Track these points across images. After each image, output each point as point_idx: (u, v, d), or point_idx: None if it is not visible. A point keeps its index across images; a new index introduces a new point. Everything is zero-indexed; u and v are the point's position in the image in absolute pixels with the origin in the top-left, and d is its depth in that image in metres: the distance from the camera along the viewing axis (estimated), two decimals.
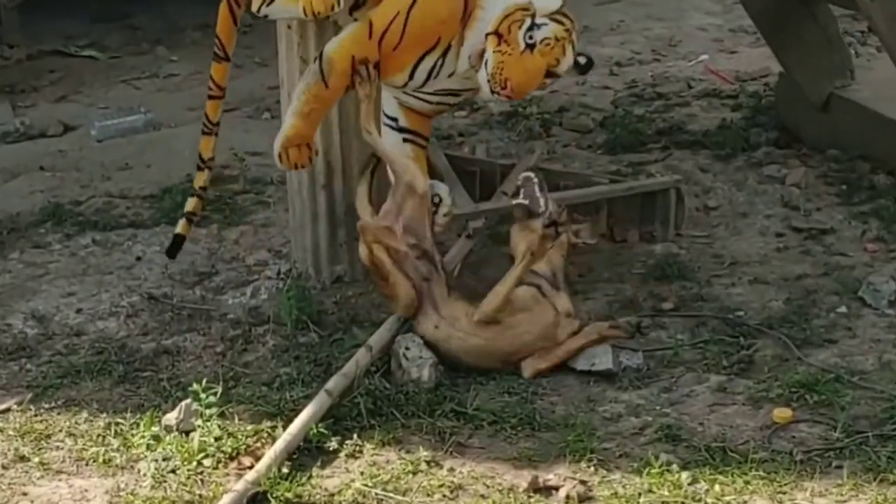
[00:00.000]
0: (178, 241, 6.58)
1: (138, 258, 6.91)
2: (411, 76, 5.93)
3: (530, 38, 5.71)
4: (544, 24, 5.74)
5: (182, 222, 6.59)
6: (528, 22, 5.71)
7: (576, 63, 5.92)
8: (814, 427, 5.22)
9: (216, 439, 5.21)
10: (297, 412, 5.34)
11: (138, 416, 5.48)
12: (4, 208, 7.61)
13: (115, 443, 5.32)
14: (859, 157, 7.55)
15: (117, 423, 5.44)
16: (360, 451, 5.20)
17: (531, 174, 6.04)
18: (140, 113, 8.92)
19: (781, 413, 5.28)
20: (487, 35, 5.74)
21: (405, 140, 6.26)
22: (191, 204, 6.59)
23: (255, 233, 7.12)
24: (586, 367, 5.65)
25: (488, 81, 5.73)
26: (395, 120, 6.25)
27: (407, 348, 5.65)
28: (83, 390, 5.73)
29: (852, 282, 6.28)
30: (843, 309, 6.10)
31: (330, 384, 5.44)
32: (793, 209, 7.13)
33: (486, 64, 5.74)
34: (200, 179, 6.54)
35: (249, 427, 5.33)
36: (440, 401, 5.47)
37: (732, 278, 6.45)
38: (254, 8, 6.02)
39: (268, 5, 5.96)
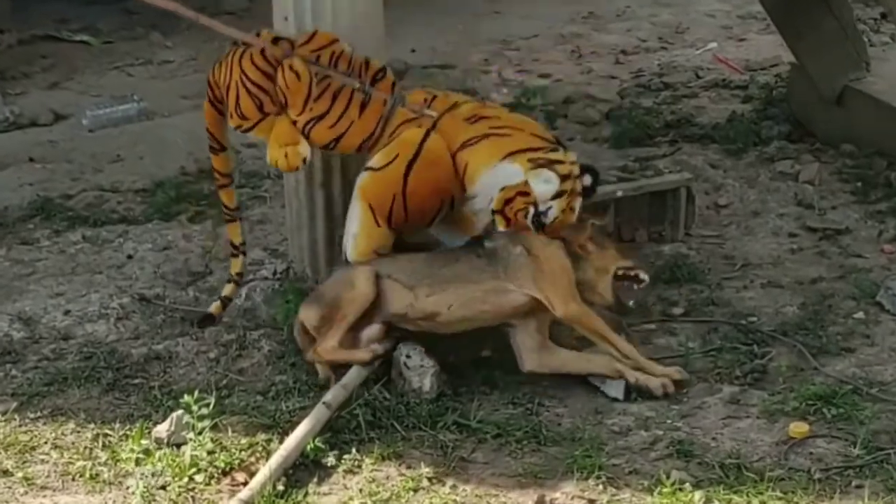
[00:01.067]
0: (208, 320, 6.09)
1: (129, 256, 6.69)
2: (429, 225, 5.86)
3: (537, 222, 5.58)
4: (549, 207, 5.59)
5: (216, 304, 6.09)
6: (531, 211, 5.57)
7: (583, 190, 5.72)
8: (832, 443, 5.01)
9: (208, 453, 5.00)
10: (293, 424, 5.14)
11: (128, 427, 5.26)
12: None
13: (103, 456, 5.10)
14: (875, 152, 7.34)
15: (105, 435, 5.23)
16: (359, 467, 4.99)
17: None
18: (133, 101, 8.71)
19: (798, 428, 5.06)
20: (494, 212, 5.62)
21: None
22: (227, 289, 6.15)
23: (251, 230, 6.89)
24: (596, 384, 5.44)
25: None
26: None
27: (408, 356, 5.42)
28: (70, 399, 5.51)
29: (870, 285, 6.07)
30: (860, 315, 5.88)
31: (328, 396, 5.22)
32: (807, 208, 6.91)
33: None
34: (236, 266, 6.17)
35: (243, 440, 5.12)
36: (442, 412, 5.26)
37: (745, 281, 6.24)
38: (231, 126, 5.91)
39: (243, 131, 5.87)
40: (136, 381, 5.63)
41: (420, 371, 5.37)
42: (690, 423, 5.18)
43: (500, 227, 5.61)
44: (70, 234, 6.94)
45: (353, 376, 5.36)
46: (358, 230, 5.73)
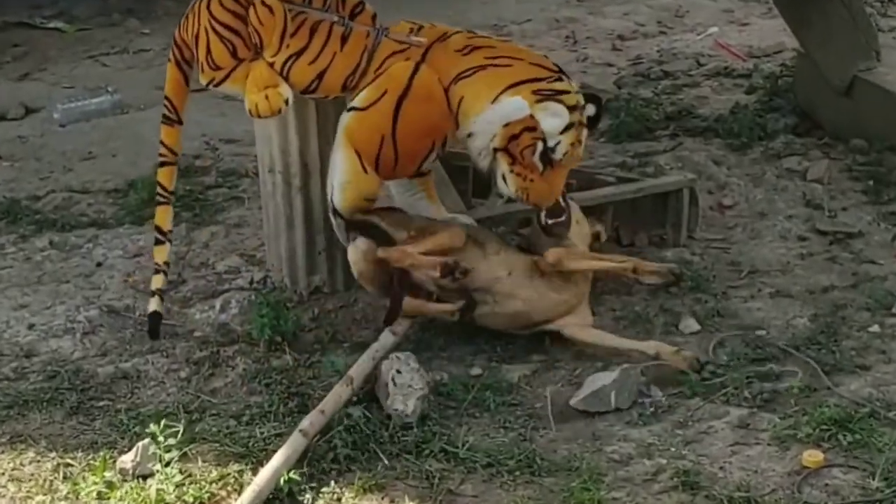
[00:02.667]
0: (156, 318, 5.71)
1: (98, 264, 6.33)
2: (418, 171, 5.60)
3: (545, 158, 5.27)
4: (557, 142, 5.26)
5: (155, 300, 5.72)
6: (540, 146, 5.24)
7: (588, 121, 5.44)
8: (849, 473, 4.63)
9: (176, 486, 4.64)
10: (267, 452, 4.79)
11: (91, 456, 4.89)
12: None
13: (64, 489, 4.73)
14: (887, 148, 6.97)
15: (67, 465, 4.87)
16: (339, 501, 4.62)
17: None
18: (107, 93, 8.35)
19: (812, 457, 4.69)
20: (496, 150, 5.29)
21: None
22: (157, 280, 5.76)
23: (227, 234, 6.53)
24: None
25: (515, 196, 5.44)
26: None
27: (398, 371, 5.04)
28: (31, 424, 5.14)
29: (884, 295, 5.72)
30: (875, 328, 5.52)
31: (305, 423, 4.84)
32: (816, 208, 6.56)
33: (504, 179, 5.37)
34: (162, 255, 5.76)
35: (214, 472, 4.76)
36: (429, 438, 4.89)
37: (752, 290, 5.87)
38: (202, 81, 5.60)
39: (216, 85, 5.57)
40: (102, 403, 5.26)
41: (406, 391, 4.99)
42: (696, 450, 4.80)
43: (503, 167, 5.29)
44: (37, 240, 6.57)
45: (331, 400, 4.98)
46: (344, 178, 5.39)
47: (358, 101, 5.34)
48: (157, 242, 5.78)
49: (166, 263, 5.78)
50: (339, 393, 5.01)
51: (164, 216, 5.77)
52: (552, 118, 5.20)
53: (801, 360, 5.28)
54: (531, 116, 5.19)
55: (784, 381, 5.16)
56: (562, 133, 5.24)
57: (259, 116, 5.47)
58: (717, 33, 9.30)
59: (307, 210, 5.81)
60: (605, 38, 9.03)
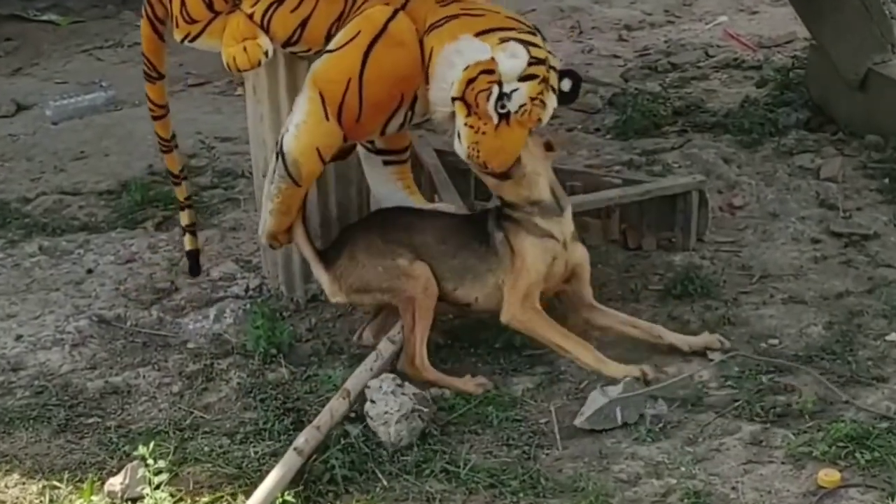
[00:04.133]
0: (192, 256, 5.92)
1: (89, 271, 6.14)
2: (383, 133, 5.24)
3: (502, 107, 4.87)
4: (514, 89, 4.86)
5: (188, 238, 5.93)
6: (495, 91, 4.85)
7: (561, 95, 5.05)
8: (867, 493, 4.43)
9: None
10: (262, 473, 4.60)
11: (79, 477, 4.71)
12: None
13: None
14: None
15: (54, 487, 4.68)
16: None
17: None
18: (101, 89, 8.14)
19: (828, 476, 4.48)
20: (454, 100, 4.91)
21: (385, 163, 5.53)
22: (185, 217, 5.91)
23: (223, 238, 6.34)
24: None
25: (466, 158, 5.03)
26: (370, 142, 5.50)
27: (372, 401, 4.82)
28: (17, 442, 4.95)
29: None
30: (893, 336, 5.31)
31: (300, 441, 4.65)
32: (830, 209, 6.35)
33: (458, 136, 4.97)
34: (182, 193, 5.89)
35: (206, 495, 4.57)
36: (429, 457, 4.69)
37: (763, 296, 5.66)
38: (177, 38, 5.38)
39: (191, 40, 5.33)
40: (91, 420, 5.07)
41: (385, 419, 4.77)
42: (707, 468, 4.60)
43: (459, 120, 4.91)
44: (26, 245, 6.38)
45: (327, 415, 4.79)
46: (301, 119, 5.05)
47: (332, 44, 5.07)
48: (175, 184, 5.90)
49: (188, 199, 5.88)
50: (335, 407, 4.82)
51: (172, 162, 5.84)
52: (510, 59, 4.81)
53: (815, 372, 5.08)
54: (492, 59, 4.84)
55: (798, 394, 4.96)
56: (521, 81, 4.85)
57: (238, 70, 5.26)
58: (727, 22, 9.09)
59: (303, 215, 5.58)
60: (611, 28, 8.83)
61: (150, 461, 4.51)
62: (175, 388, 5.23)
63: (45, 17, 9.79)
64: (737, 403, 4.92)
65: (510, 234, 5.15)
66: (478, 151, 4.94)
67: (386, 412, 4.76)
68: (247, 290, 5.84)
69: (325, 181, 5.54)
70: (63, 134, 7.70)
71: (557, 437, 4.82)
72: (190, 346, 5.51)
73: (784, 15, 8.68)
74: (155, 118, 5.76)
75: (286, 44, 5.17)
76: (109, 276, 6.05)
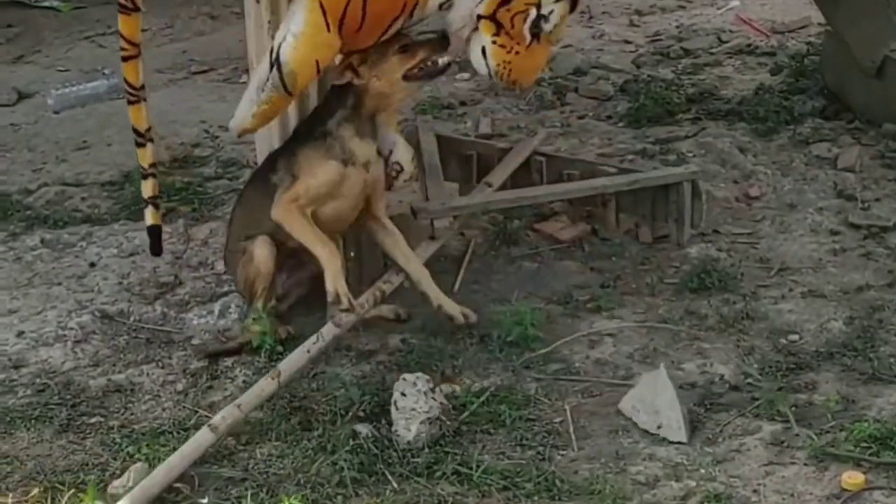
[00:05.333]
0: (154, 233, 5.60)
1: (92, 264, 6.00)
2: (378, 40, 5.04)
3: (536, 28, 4.83)
4: (551, 11, 4.83)
5: (150, 211, 5.57)
6: (533, 13, 4.82)
7: None
8: (891, 496, 4.30)
9: None
10: (268, 474, 4.50)
11: (81, 479, 4.56)
12: None
13: None
14: None
15: (55, 489, 4.52)
16: None
17: None
18: (103, 77, 8.01)
19: (852, 478, 4.35)
20: (479, 18, 4.87)
21: None
22: (147, 187, 5.54)
23: (226, 231, 6.17)
24: (650, 428, 4.71)
25: (492, 76, 5.03)
26: None
27: (402, 394, 4.70)
28: (19, 443, 4.81)
29: None
30: None
31: (217, 418, 4.58)
32: (848, 199, 6.23)
33: (484, 53, 4.95)
34: (145, 157, 5.48)
35: (212, 499, 4.42)
36: (441, 458, 4.55)
37: (782, 289, 5.54)
38: None
39: None
40: (94, 419, 4.93)
41: (409, 416, 4.64)
42: (728, 470, 4.47)
43: (484, 38, 4.89)
44: (28, 238, 6.24)
45: (253, 394, 4.72)
46: (301, 28, 4.87)
47: None
48: (138, 145, 5.49)
49: (153, 166, 5.50)
50: (263, 387, 4.74)
51: (137, 115, 5.46)
52: None
53: (836, 368, 4.95)
54: None
55: (820, 392, 4.83)
56: (556, 2, 4.83)
57: None
58: (739, 7, 8.96)
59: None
60: (621, 12, 8.69)
61: (155, 462, 4.41)
62: (179, 387, 5.10)
63: (46, 4, 9.65)
64: (757, 402, 4.78)
65: (307, 153, 5.16)
66: (509, 70, 4.94)
67: (413, 409, 4.63)
68: None
69: None
70: (65, 123, 7.57)
71: (573, 437, 4.69)
72: (194, 342, 5.38)
73: None
74: (126, 58, 5.41)
75: None
76: (112, 270, 5.92)
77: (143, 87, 5.47)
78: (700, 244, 5.87)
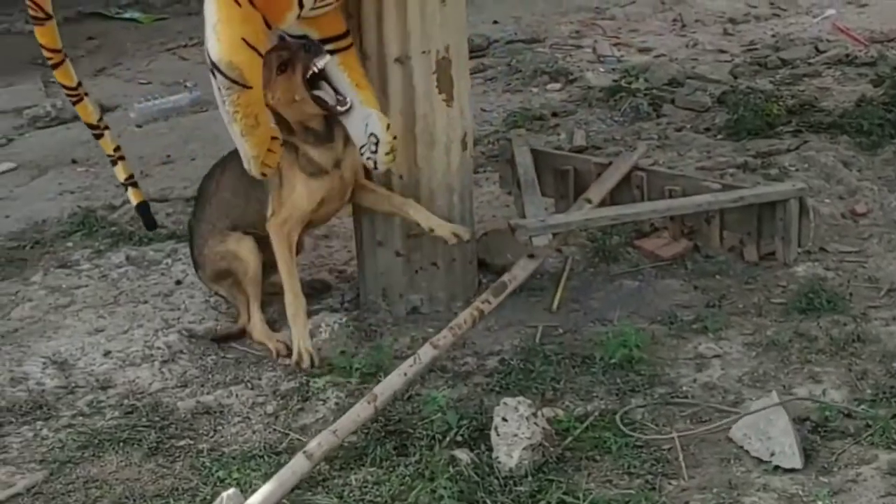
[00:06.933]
0: (143, 210, 5.72)
1: (178, 282, 5.89)
2: (300, 5, 4.86)
3: None
4: None
5: (131, 191, 5.75)
6: None
7: None
8: None
9: None
10: (363, 501, 4.33)
11: None
12: (29, 214, 6.68)
13: None
14: None
15: None
16: None
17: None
18: (185, 90, 7.91)
19: None
20: None
21: (331, 52, 5.08)
22: (119, 171, 5.74)
23: (315, 247, 6.09)
24: (762, 456, 4.49)
25: None
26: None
27: (503, 419, 4.51)
28: (107, 467, 4.67)
29: None
30: None
31: (312, 444, 4.42)
32: None
33: None
34: (107, 145, 5.70)
35: None
36: (545, 487, 4.35)
37: (893, 311, 5.31)
38: None
39: None
40: (183, 442, 4.79)
41: (511, 442, 4.45)
42: (844, 501, 4.25)
43: None
44: (113, 255, 6.14)
45: (348, 420, 4.56)
46: (215, 18, 4.73)
47: None
48: (96, 136, 5.71)
49: (117, 149, 5.67)
50: (358, 412, 4.59)
51: (84, 111, 5.66)
52: None
53: None
54: None
55: None
56: None
57: None
58: (835, 15, 8.74)
59: (404, 225, 5.35)
60: (714, 21, 8.49)
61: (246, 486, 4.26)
62: (269, 408, 4.95)
63: (127, 15, 9.60)
64: (871, 429, 4.55)
65: (283, 163, 5.10)
66: None
67: (515, 435, 4.44)
68: (342, 302, 5.60)
69: (427, 189, 5.26)
70: (148, 137, 7.50)
71: (683, 465, 4.48)
72: (284, 362, 5.22)
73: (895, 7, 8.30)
74: (54, 66, 5.47)
75: None
76: (199, 288, 5.79)
77: (79, 84, 5.60)
78: (807, 263, 5.65)
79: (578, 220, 5.54)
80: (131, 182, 5.64)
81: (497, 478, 4.39)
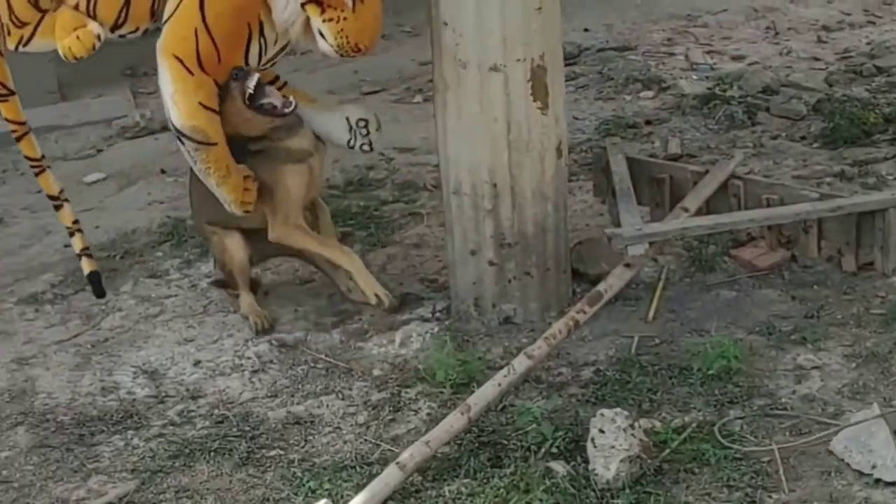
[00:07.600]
0: (94, 279, 5.83)
1: (266, 292, 5.84)
2: (246, 64, 5.33)
3: None
4: None
5: (85, 261, 5.84)
6: None
7: None
8: None
9: None
10: None
11: None
12: (118, 224, 6.66)
13: None
14: None
15: None
16: None
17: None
18: None
19: None
20: (303, 5, 5.10)
21: None
22: (76, 243, 5.85)
23: (406, 256, 6.03)
24: (864, 468, 4.38)
25: (338, 52, 5.21)
26: None
27: (601, 430, 4.42)
28: (198, 476, 4.66)
29: None
30: None
31: (405, 455, 4.40)
32: None
33: (323, 36, 5.17)
34: (66, 217, 5.84)
35: None
36: (642, 500, 4.28)
37: None
38: (10, 46, 5.50)
39: (25, 45, 5.48)
40: (273, 452, 4.75)
41: (608, 454, 4.36)
42: None
43: (316, 22, 5.11)
44: (202, 265, 6.12)
45: (441, 430, 4.52)
46: (172, 88, 5.20)
47: (166, 14, 5.21)
48: (56, 208, 5.82)
49: (75, 223, 5.81)
50: (452, 422, 4.53)
51: (46, 183, 5.79)
52: None
53: None
54: None
55: None
56: None
57: (75, 59, 5.39)
58: None
59: (497, 234, 5.27)
60: (808, 28, 8.34)
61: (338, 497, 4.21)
62: (360, 419, 4.91)
63: None
64: None
65: (264, 178, 5.38)
66: (346, 38, 5.12)
67: (612, 447, 4.36)
68: (434, 312, 5.53)
69: (521, 197, 5.18)
70: None
71: (783, 478, 4.37)
72: (375, 372, 5.18)
73: None
74: (17, 138, 5.70)
75: (114, 27, 5.34)
76: (287, 298, 5.77)
77: (42, 157, 5.79)
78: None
79: (675, 229, 5.45)
80: (87, 253, 5.81)
81: (594, 490, 4.33)
